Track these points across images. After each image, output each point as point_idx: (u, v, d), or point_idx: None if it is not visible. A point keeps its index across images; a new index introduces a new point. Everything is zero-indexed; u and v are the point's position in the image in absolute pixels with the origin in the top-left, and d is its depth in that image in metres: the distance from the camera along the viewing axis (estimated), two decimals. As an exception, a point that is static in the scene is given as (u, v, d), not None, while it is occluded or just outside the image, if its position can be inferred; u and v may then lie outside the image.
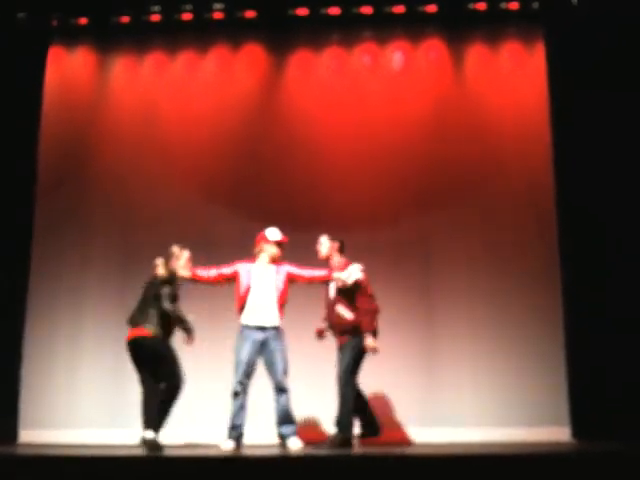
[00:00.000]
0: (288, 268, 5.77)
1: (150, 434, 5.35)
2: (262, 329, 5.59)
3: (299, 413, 5.80)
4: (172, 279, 5.59)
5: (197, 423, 6.77)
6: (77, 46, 7.90)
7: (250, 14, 7.74)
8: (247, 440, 5.60)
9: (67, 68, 7.90)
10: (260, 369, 5.67)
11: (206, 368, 6.71)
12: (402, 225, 6.99)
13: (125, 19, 7.79)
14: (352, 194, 7.27)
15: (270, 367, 5.59)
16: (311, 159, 7.45)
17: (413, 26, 7.67)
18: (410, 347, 6.90)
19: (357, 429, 5.78)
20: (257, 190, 7.33)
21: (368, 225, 7.16)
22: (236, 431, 5.51)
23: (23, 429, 6.97)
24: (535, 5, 7.54)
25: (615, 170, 6.87)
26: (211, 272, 5.73)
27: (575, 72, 7.15)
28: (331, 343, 5.87)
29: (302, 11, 7.68)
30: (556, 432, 6.54)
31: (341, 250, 5.93)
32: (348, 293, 5.68)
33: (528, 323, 6.86)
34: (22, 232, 7.37)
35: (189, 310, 5.63)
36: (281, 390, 5.54)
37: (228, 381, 5.60)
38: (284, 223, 6.02)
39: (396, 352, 6.63)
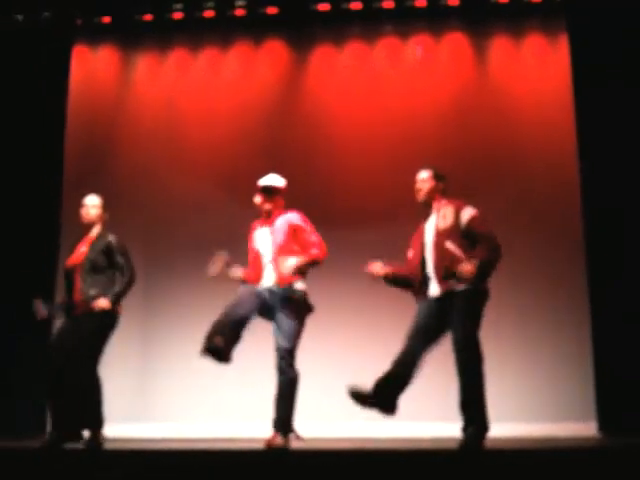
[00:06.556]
0: (291, 218, 4.87)
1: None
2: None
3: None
4: None
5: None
6: (101, 44, 7.97)
7: (272, 10, 7.76)
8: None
9: (91, 66, 7.97)
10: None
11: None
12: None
13: (148, 17, 7.85)
14: (374, 190, 7.23)
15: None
16: (333, 154, 7.44)
17: (435, 20, 7.64)
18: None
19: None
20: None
21: (389, 221, 7.11)
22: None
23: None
24: (558, -3, 7.49)
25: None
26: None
27: (599, 64, 7.06)
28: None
29: (323, 6, 7.69)
30: (582, 427, 6.49)
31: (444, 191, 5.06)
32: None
33: (553, 317, 6.81)
34: (50, 231, 7.42)
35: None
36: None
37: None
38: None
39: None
